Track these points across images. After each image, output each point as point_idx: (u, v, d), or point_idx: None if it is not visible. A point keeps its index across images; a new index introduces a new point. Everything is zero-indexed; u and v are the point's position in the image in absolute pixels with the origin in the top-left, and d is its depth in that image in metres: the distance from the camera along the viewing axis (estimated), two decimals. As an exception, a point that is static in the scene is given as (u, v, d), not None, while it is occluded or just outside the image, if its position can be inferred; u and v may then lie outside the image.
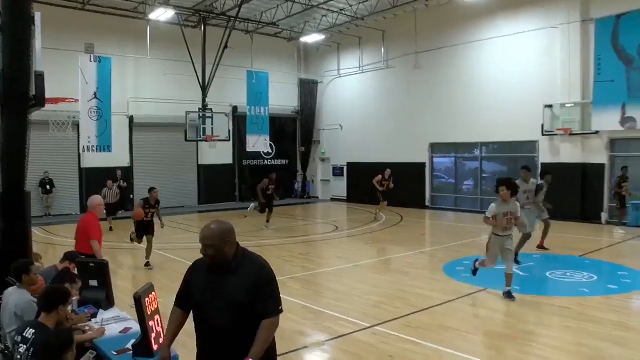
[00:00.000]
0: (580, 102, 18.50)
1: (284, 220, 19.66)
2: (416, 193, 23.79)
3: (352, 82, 27.15)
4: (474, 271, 9.44)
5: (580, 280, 10.04)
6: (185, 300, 3.67)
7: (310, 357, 6.40)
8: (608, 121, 17.74)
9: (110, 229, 17.16)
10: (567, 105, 18.70)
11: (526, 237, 11.51)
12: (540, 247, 13.06)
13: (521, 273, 10.69)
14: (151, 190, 12.01)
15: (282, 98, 27.44)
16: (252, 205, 18.58)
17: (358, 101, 26.97)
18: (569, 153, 18.96)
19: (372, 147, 25.72)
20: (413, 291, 9.30)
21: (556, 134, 19.02)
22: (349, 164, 27.35)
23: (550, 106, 19.01)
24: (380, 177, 19.11)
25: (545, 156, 19.66)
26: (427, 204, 24.01)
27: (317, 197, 29.08)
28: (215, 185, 25.65)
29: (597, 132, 18.22)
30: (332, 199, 28.32)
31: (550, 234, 12.87)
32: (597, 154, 18.49)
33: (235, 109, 25.82)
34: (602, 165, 18.40)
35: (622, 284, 9.76)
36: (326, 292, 9.69)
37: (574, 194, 18.62)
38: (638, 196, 16.95)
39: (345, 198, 27.59)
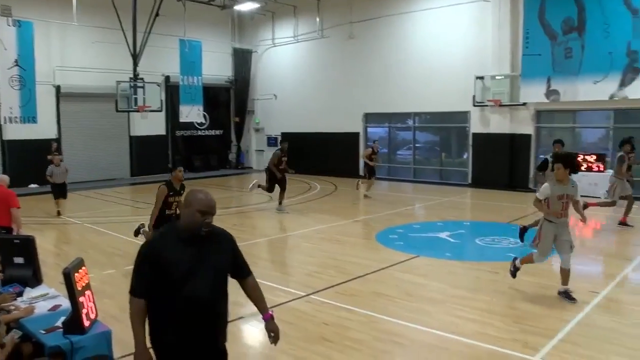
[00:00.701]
0: (510, 75, 19.06)
1: (219, 192, 19.45)
2: (350, 162, 24.00)
3: (287, 52, 26.88)
4: (514, 272, 7.69)
5: (507, 245, 10.47)
6: (150, 286, 3.28)
7: (246, 328, 6.42)
8: (534, 93, 18.39)
9: (58, 213, 14.60)
10: (497, 77, 19.21)
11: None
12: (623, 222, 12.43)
13: (452, 240, 11.04)
14: (174, 168, 8.48)
15: (216, 67, 26.84)
16: (255, 182, 15.57)
17: (292, 71, 26.76)
18: (498, 123, 19.57)
19: (306, 117, 25.67)
20: (347, 259, 9.44)
21: (486, 105, 19.56)
22: (283, 134, 27.22)
23: (482, 78, 19.48)
24: (370, 150, 17.83)
25: (475, 126, 20.22)
26: (361, 173, 24.26)
27: (252, 168, 28.87)
28: (148, 157, 24.90)
29: (524, 104, 18.87)
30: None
31: (480, 202, 13.29)
32: (525, 125, 19.19)
33: (167, 78, 25.08)
34: (528, 136, 19.13)
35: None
36: (261, 262, 9.70)
37: (503, 163, 19.29)
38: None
39: (280, 168, 27.51)
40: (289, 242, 11.31)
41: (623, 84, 16.78)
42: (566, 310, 6.72)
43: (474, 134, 20.06)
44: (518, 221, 13.14)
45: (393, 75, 22.39)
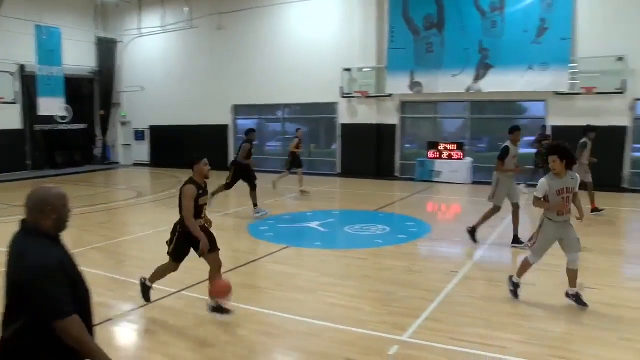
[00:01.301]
0: (376, 67, 19.76)
1: (84, 189, 18.39)
2: (220, 155, 23.70)
3: (154, 42, 25.84)
4: (515, 291, 6.83)
5: (375, 232, 10.84)
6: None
7: (116, 329, 6.10)
8: (399, 85, 19.26)
9: None
10: (364, 70, 19.85)
11: (496, 210, 9.77)
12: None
13: (322, 229, 11.24)
14: (198, 160, 6.42)
15: (78, 57, 25.11)
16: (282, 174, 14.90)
17: (160, 62, 25.78)
18: (365, 114, 20.22)
19: (175, 110, 24.91)
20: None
21: (354, 97, 20.13)
22: (152, 127, 26.28)
23: (349, 70, 20.00)
24: (297, 140, 16.25)
25: (344, 117, 20.74)
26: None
27: (118, 163, 27.57)
28: (2, 154, 22.71)
29: (390, 95, 19.67)
30: (135, 164, 27.08)
31: (349, 191, 13.62)
32: (390, 116, 20.02)
33: (22, 67, 23.04)
34: (394, 126, 19.98)
35: (410, 233, 10.80)
36: (130, 261, 9.29)
37: (370, 152, 19.99)
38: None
39: (148, 162, 26.55)
40: (159, 238, 10.89)
41: (477, 78, 18.05)
42: (430, 291, 7.07)
43: (343, 125, 20.60)
44: (385, 209, 13.67)
45: (263, 67, 22.35)
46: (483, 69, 18.03)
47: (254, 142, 13.41)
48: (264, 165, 23.32)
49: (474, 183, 18.04)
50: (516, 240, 9.55)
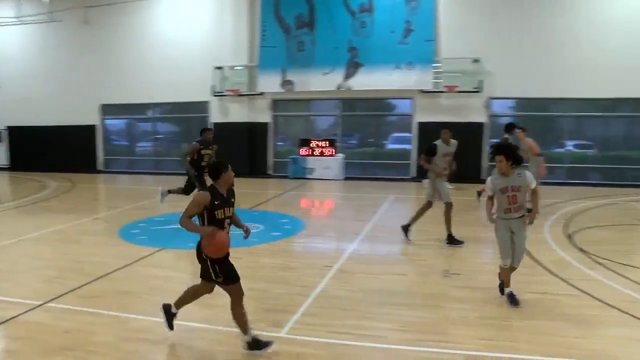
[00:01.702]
0: (248, 65, 19.68)
1: None
2: (87, 157, 22.52)
3: (9, 35, 23.73)
4: (502, 290, 6.73)
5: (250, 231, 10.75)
6: None
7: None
8: (271, 83, 19.37)
9: None
10: (236, 68, 19.70)
11: (428, 206, 9.78)
12: None
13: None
14: (226, 167, 5.52)
15: None
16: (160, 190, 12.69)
17: (18, 57, 23.69)
18: (238, 113, 20.10)
19: (36, 109, 23.07)
20: (88, 260, 8.78)
21: (225, 95, 19.92)
22: (10, 128, 24.25)
23: (220, 68, 19.76)
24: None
25: (215, 116, 20.47)
26: (100, 167, 22.93)
27: (-30, 167, 25.24)
28: None
29: (262, 94, 19.70)
30: (-9, 168, 24.92)
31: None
32: (262, 114, 20.06)
33: None
34: (266, 124, 20.05)
35: (284, 230, 10.85)
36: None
37: (243, 150, 19.88)
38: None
39: (7, 166, 24.48)
40: (19, 247, 10.09)
41: (347, 76, 18.60)
42: (306, 287, 7.15)
43: (215, 124, 20.32)
44: (259, 207, 13.66)
45: (132, 65, 21.50)
46: (353, 67, 18.60)
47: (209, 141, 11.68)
48: (135, 167, 22.50)
49: (346, 179, 18.54)
50: (450, 239, 9.47)
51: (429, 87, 18.15)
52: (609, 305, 6.46)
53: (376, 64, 18.30)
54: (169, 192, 12.19)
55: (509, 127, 12.40)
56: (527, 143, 12.02)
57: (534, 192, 6.52)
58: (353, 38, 18.60)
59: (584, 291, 6.94)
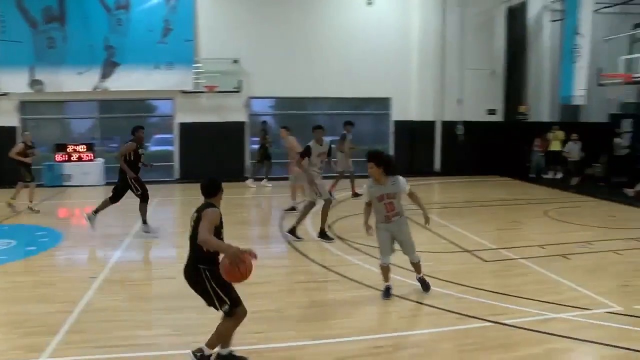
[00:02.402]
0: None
1: None
2: None
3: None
4: (387, 293, 6.73)
5: (-1, 247, 9.68)
6: None
7: None
8: (18, 83, 17.54)
9: None
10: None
11: (311, 205, 9.93)
12: None
13: None
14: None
15: None
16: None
17: None
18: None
19: None
20: None
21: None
22: None
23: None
24: (22, 145, 13.30)
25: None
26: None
27: None
28: None
29: (6, 94, 17.76)
30: None
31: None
32: (8, 117, 18.02)
33: None
34: (14, 128, 18.03)
35: (40, 244, 9.95)
36: None
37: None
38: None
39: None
40: None
41: (104, 76, 17.74)
42: (68, 302, 6.62)
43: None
44: (9, 220, 12.33)
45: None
46: (110, 67, 17.76)
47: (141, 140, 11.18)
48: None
49: (107, 184, 17.53)
50: (323, 234, 9.78)
51: (190, 88, 18.22)
52: (365, 285, 7.20)
53: (135, 64, 17.71)
54: (96, 212, 10.54)
55: (347, 123, 14.46)
56: (289, 141, 12.73)
57: (412, 195, 6.60)
58: (109, 36, 17.73)
59: (344, 276, 7.61)
